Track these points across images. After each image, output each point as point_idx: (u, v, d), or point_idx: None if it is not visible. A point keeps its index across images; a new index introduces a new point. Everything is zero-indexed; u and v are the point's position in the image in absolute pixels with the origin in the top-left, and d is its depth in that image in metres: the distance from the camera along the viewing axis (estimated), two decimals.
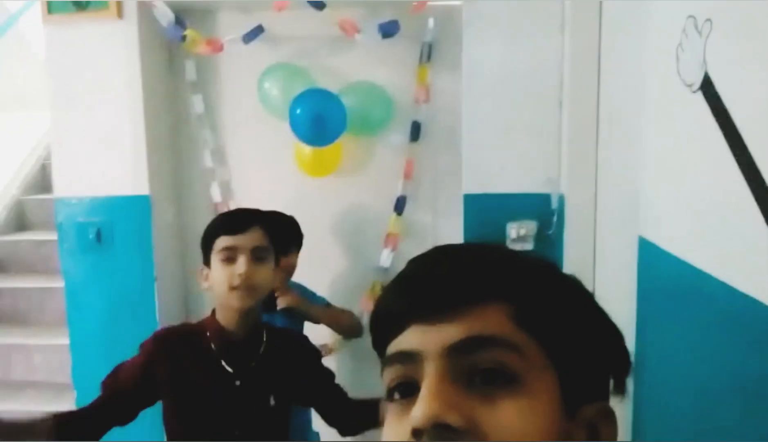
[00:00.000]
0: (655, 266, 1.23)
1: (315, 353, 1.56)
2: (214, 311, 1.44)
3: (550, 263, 0.57)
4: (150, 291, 2.33)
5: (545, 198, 2.14)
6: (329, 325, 2.11)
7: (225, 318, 1.41)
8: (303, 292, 2.08)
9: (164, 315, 2.37)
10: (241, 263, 1.35)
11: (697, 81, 1.03)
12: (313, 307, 2.05)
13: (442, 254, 0.55)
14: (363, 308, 2.41)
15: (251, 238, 1.37)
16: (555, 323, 0.50)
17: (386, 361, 0.53)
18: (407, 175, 2.41)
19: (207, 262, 1.41)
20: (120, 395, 1.42)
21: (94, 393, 2.41)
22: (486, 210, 2.17)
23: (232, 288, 1.35)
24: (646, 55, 1.32)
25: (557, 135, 2.11)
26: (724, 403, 0.98)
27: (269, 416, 1.42)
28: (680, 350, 1.12)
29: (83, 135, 2.29)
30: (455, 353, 0.48)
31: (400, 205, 2.42)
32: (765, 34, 0.85)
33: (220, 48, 2.26)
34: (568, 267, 2.05)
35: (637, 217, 1.38)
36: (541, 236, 2.13)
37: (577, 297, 0.54)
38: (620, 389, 0.55)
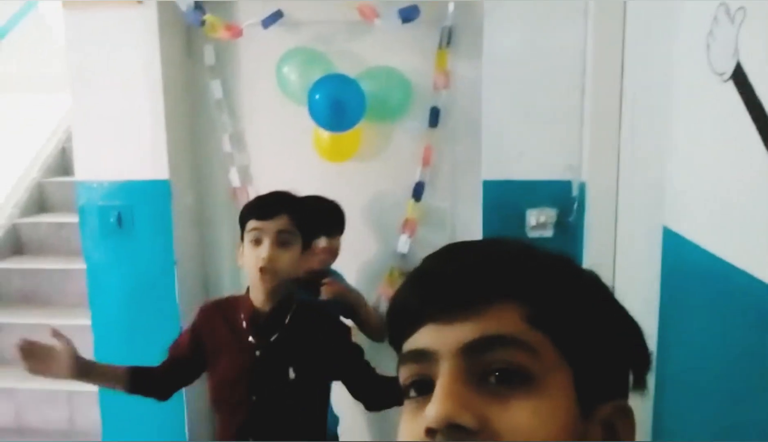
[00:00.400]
0: (681, 257, 1.22)
1: (342, 329, 1.63)
2: (249, 288, 1.57)
3: (568, 259, 0.56)
4: (170, 275, 2.36)
5: (566, 185, 2.12)
6: (359, 323, 2.10)
7: (254, 295, 1.54)
8: (341, 282, 2.11)
9: (184, 298, 2.40)
10: (265, 247, 1.46)
11: (729, 70, 1.01)
12: (351, 301, 2.05)
13: (457, 251, 0.55)
14: (381, 294, 2.41)
15: (276, 223, 1.47)
16: (570, 322, 0.50)
17: (402, 359, 0.53)
18: (426, 162, 2.40)
19: (242, 240, 1.52)
20: (178, 361, 1.60)
21: None
22: (505, 197, 2.16)
23: (257, 269, 1.46)
24: (674, 42, 1.29)
25: (579, 122, 2.08)
26: (748, 397, 0.97)
27: (288, 388, 1.50)
28: (705, 343, 1.11)
29: (103, 120, 2.30)
30: (469, 353, 0.48)
31: (418, 192, 2.41)
32: None
33: (240, 33, 2.25)
34: (589, 255, 2.04)
35: (660, 206, 1.37)
36: (561, 224, 2.12)
37: (594, 294, 0.54)
38: (640, 386, 0.55)
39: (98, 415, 2.54)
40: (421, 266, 0.55)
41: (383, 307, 2.41)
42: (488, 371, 0.48)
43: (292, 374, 1.50)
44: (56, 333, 1.47)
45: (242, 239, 1.52)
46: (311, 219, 1.60)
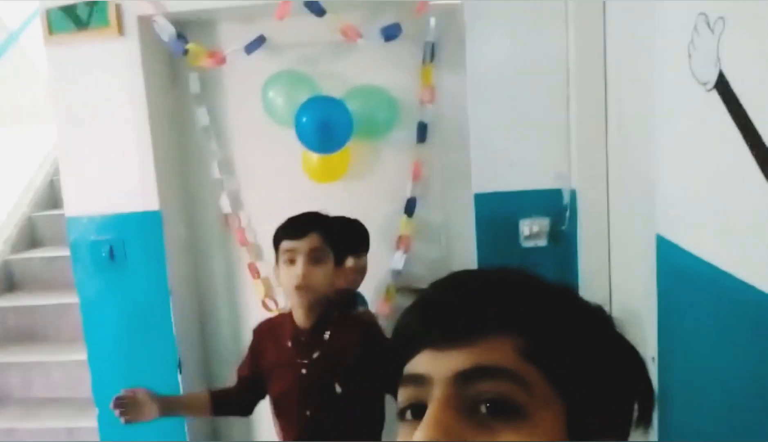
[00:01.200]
0: (676, 266, 1.22)
1: (379, 338, 1.65)
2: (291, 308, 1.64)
3: (571, 293, 0.57)
4: (165, 305, 2.34)
5: (557, 194, 2.12)
6: None
7: (295, 314, 1.60)
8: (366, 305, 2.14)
9: (180, 328, 2.38)
10: (299, 265, 1.52)
11: (712, 79, 1.01)
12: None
13: (459, 281, 0.56)
14: (379, 312, 2.40)
15: (309, 241, 1.53)
16: (565, 357, 0.50)
17: (401, 381, 0.54)
18: (415, 177, 2.40)
19: (277, 262, 1.59)
20: (245, 381, 1.70)
21: None
22: (497, 208, 2.16)
23: (294, 287, 1.53)
24: (655, 50, 1.30)
25: (566, 129, 2.09)
26: (749, 406, 0.97)
27: (336, 403, 1.56)
28: (705, 355, 1.11)
29: (91, 154, 2.29)
30: (461, 381, 0.49)
31: (410, 207, 2.40)
32: None
33: (223, 60, 2.24)
34: (583, 263, 2.04)
35: (652, 211, 1.37)
36: (554, 233, 2.12)
37: (593, 330, 0.54)
38: (645, 421, 0.55)
39: None
40: (425, 292, 0.56)
41: (382, 324, 2.40)
42: (479, 400, 0.48)
43: (338, 389, 1.55)
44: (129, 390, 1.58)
45: (277, 260, 1.58)
46: (341, 236, 1.66)
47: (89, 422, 2.68)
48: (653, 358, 1.40)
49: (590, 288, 2.03)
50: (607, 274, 1.97)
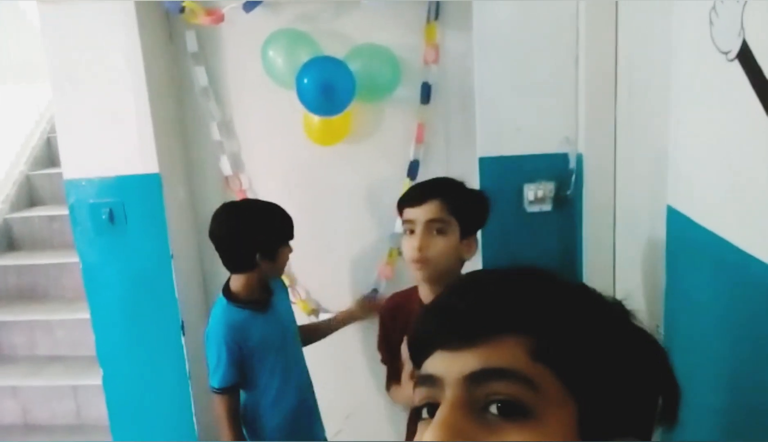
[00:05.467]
0: (686, 239, 1.20)
1: None
2: None
3: (588, 292, 0.56)
4: (167, 269, 2.33)
5: (563, 158, 2.08)
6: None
7: (420, 288, 1.48)
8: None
9: (182, 292, 2.38)
10: (417, 236, 1.39)
11: (734, 49, 0.97)
12: None
13: (473, 282, 0.57)
14: (381, 276, 2.40)
15: (428, 209, 1.39)
16: (576, 357, 0.50)
17: (416, 381, 0.56)
18: (419, 139, 2.36)
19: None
20: (391, 362, 1.58)
21: (119, 369, 2.46)
22: (502, 173, 2.12)
23: (411, 260, 1.40)
24: (672, 15, 1.25)
25: (573, 93, 2.04)
26: (754, 383, 0.96)
27: None
28: (712, 330, 1.10)
29: (87, 115, 2.24)
30: (471, 382, 0.50)
31: (413, 170, 2.37)
32: None
33: (221, 18, 2.17)
34: (588, 229, 2.02)
35: (663, 181, 1.34)
36: (559, 198, 2.09)
37: (608, 327, 0.54)
38: (669, 417, 0.54)
39: (105, 407, 2.54)
40: (441, 295, 0.58)
41: (382, 288, 2.40)
42: (489, 401, 0.49)
43: None
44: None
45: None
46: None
47: (94, 379, 2.71)
48: (657, 325, 1.39)
49: (593, 254, 2.01)
50: (612, 241, 1.96)
